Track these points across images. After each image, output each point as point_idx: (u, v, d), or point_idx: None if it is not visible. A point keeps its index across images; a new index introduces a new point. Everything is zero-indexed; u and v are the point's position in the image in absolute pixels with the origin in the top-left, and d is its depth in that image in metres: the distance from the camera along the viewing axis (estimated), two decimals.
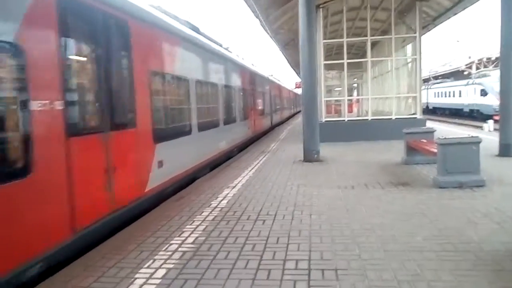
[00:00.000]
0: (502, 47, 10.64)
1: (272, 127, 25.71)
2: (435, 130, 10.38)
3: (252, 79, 18.25)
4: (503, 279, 3.61)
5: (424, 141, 9.36)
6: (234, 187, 8.13)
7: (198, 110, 9.58)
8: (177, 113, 8.68)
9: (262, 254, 4.51)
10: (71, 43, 4.92)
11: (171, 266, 4.28)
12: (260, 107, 20.61)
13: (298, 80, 43.89)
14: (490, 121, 22.84)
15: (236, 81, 14.77)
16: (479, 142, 7.23)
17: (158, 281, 3.91)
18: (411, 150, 9.75)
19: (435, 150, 7.60)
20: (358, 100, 26.04)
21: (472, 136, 7.44)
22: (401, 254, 4.28)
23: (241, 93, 15.67)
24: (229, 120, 13.05)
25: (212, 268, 4.17)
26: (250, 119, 17.26)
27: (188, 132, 8.97)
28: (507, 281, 3.56)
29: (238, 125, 14.63)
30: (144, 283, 3.88)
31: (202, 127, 9.85)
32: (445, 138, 7.44)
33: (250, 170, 9.98)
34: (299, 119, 31.61)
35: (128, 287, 3.82)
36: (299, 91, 53.40)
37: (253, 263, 4.25)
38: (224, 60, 13.03)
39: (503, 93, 10.76)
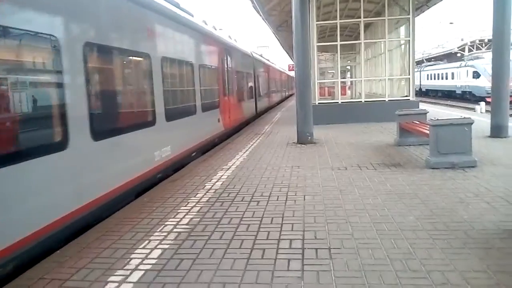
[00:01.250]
0: (494, 29, 10.64)
1: (258, 115, 21.57)
2: (427, 112, 10.43)
3: (226, 55, 13.84)
4: (492, 256, 3.69)
5: (417, 122, 9.42)
6: (228, 169, 8.15)
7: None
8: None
9: (256, 234, 4.55)
10: None
11: (167, 246, 4.31)
12: (239, 91, 16.00)
13: (292, 62, 43.26)
14: (482, 103, 23.01)
15: (198, 56, 10.70)
16: (471, 124, 7.29)
17: (154, 261, 3.95)
18: (403, 131, 9.80)
19: (428, 132, 7.65)
20: (351, 83, 26.00)
21: (464, 118, 7.51)
22: (394, 234, 4.34)
23: (207, 73, 11.31)
24: (182, 111, 9.11)
25: (207, 248, 4.21)
26: (223, 108, 12.94)
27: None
28: (497, 258, 3.64)
29: (200, 118, 10.36)
30: (140, 263, 3.91)
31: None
32: (437, 120, 7.49)
33: (244, 152, 10.00)
34: (291, 103, 31.28)
35: (124, 267, 3.85)
36: (292, 73, 52.91)
37: (248, 243, 4.29)
38: (176, 25, 9.12)
39: (494, 75, 10.80)
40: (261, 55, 28.14)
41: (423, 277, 3.36)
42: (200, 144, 10.27)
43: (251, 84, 19.76)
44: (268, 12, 19.41)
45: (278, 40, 31.92)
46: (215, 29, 13.80)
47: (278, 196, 6.04)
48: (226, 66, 13.65)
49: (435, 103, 33.04)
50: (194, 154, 9.81)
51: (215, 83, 12.31)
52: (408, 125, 9.33)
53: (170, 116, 8.08)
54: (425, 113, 10.23)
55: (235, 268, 3.71)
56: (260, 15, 19.92)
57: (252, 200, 5.92)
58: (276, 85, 35.62)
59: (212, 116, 11.72)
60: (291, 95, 51.82)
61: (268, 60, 32.14)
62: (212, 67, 12.08)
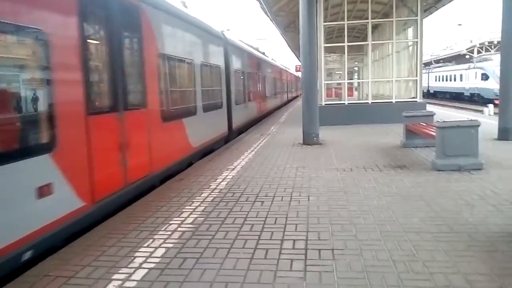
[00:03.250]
0: (503, 31, 10.56)
1: (232, 133, 13.55)
2: (434, 114, 10.38)
3: (195, 42, 9.91)
4: (497, 259, 3.66)
5: (423, 124, 9.37)
6: (233, 169, 8.17)
7: None
8: None
9: (260, 234, 4.56)
10: None
11: (171, 245, 4.34)
12: (198, 98, 9.70)
13: (299, 63, 42.62)
14: (491, 105, 22.86)
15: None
16: (477, 126, 7.24)
17: (157, 260, 3.98)
18: (410, 133, 9.76)
19: (434, 134, 7.62)
20: (358, 84, 25.89)
21: (470, 120, 7.46)
22: (397, 235, 4.33)
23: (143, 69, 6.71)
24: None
25: (211, 248, 4.22)
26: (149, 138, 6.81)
27: None
28: (501, 262, 3.62)
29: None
30: (144, 262, 3.94)
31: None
32: (444, 122, 7.46)
33: (250, 153, 10.02)
34: (292, 109, 29.03)
35: (128, 265, 3.88)
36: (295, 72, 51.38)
37: (251, 243, 4.30)
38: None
39: (503, 77, 10.72)
40: (253, 47, 22.10)
41: (426, 279, 3.35)
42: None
43: (227, 85, 13.17)
44: (276, 13, 19.40)
45: (286, 40, 31.88)
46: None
47: (282, 197, 6.04)
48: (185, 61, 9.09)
49: (443, 105, 32.81)
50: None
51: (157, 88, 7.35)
52: (415, 127, 9.29)
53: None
54: (432, 115, 10.18)
55: (238, 268, 3.72)
56: (268, 16, 19.91)
57: (257, 200, 5.94)
58: (273, 86, 26.52)
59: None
60: (294, 97, 47.66)
61: (264, 54, 26.19)
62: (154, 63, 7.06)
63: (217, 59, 11.95)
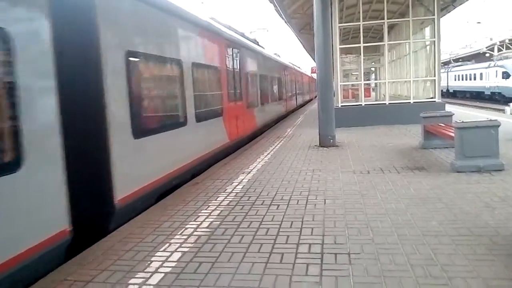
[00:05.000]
0: None
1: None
2: (453, 114, 10.19)
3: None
4: None
5: (442, 125, 9.22)
6: (249, 172, 8.18)
7: None
8: None
9: (275, 238, 4.55)
10: None
11: (186, 249, 4.36)
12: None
13: (314, 65, 40.31)
14: None
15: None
16: (497, 126, 7.08)
17: (173, 264, 4.00)
18: (428, 134, 9.62)
19: (453, 134, 7.49)
20: (375, 85, 25.64)
21: (490, 120, 7.30)
22: (415, 239, 4.26)
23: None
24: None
25: (226, 252, 4.23)
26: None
27: None
28: None
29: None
30: (160, 266, 3.97)
31: None
32: (462, 122, 7.32)
33: (266, 156, 10.01)
34: (309, 111, 28.77)
35: (145, 269, 3.92)
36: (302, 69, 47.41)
37: (267, 247, 4.29)
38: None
39: None
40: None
41: (444, 284, 3.28)
42: None
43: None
44: (291, 15, 19.39)
45: (301, 42, 31.83)
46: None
47: (298, 200, 6.01)
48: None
49: (463, 105, 32.23)
50: None
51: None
52: (433, 128, 9.15)
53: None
54: (451, 115, 10.00)
55: (253, 272, 3.72)
56: (283, 18, 19.92)
57: (272, 203, 5.92)
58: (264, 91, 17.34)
59: None
60: (302, 104, 36.28)
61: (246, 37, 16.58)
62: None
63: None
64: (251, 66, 14.87)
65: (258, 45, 18.87)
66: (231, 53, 11.80)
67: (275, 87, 20.38)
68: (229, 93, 11.32)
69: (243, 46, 13.63)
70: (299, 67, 37.83)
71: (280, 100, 21.68)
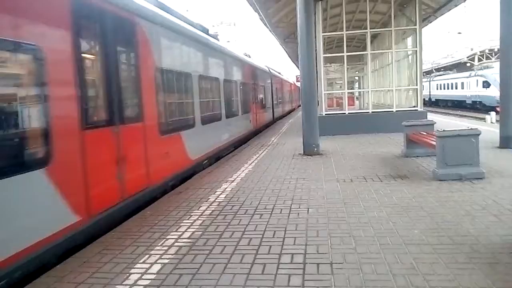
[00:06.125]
0: (502, 38, 10.54)
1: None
2: (435, 123, 10.32)
3: None
4: (499, 272, 3.58)
5: (424, 133, 9.31)
6: (232, 181, 8.12)
7: None
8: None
9: (257, 248, 4.50)
10: None
11: (167, 261, 4.27)
12: None
13: (299, 73, 40.50)
14: (493, 113, 22.76)
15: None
16: (478, 135, 7.17)
17: (153, 276, 3.91)
18: (411, 142, 9.70)
19: (434, 143, 7.55)
20: (359, 94, 25.88)
21: (471, 129, 7.39)
22: (397, 248, 4.26)
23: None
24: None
25: (207, 263, 4.16)
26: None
27: None
28: (503, 274, 3.54)
29: None
30: (139, 278, 3.88)
31: None
32: (444, 131, 7.39)
33: (250, 164, 9.96)
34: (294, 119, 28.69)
35: (123, 282, 3.82)
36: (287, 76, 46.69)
37: (249, 258, 4.23)
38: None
39: (503, 85, 10.66)
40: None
41: None
42: None
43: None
44: (275, 24, 19.50)
45: (286, 51, 32.02)
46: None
47: (281, 209, 5.98)
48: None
49: (444, 113, 32.74)
50: None
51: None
52: (415, 136, 9.23)
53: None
54: (432, 124, 10.11)
55: (234, 284, 3.65)
56: (268, 27, 20.02)
57: (255, 213, 5.87)
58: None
59: None
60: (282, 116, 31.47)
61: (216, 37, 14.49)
62: None
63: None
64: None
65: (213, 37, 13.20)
66: None
67: (235, 97, 14.82)
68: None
69: None
70: (279, 72, 33.36)
71: (244, 113, 16.19)
